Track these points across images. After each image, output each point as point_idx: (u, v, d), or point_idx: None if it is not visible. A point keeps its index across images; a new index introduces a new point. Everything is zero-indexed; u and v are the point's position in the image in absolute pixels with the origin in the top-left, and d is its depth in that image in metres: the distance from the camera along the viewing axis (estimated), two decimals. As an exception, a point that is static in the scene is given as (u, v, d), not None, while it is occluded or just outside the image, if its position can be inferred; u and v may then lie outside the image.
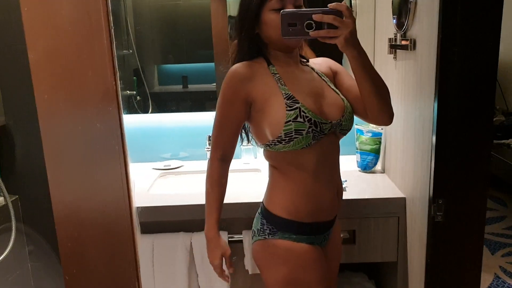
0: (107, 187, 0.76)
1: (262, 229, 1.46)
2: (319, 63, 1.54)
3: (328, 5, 1.23)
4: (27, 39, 0.73)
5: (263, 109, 1.37)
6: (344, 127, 1.43)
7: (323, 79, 1.47)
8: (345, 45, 1.23)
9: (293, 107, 1.34)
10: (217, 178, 1.48)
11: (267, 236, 1.44)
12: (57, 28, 0.71)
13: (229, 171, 1.52)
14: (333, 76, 1.52)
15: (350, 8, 1.25)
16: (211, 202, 1.49)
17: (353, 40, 1.24)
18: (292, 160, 1.39)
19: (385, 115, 1.40)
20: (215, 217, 1.49)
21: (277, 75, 1.40)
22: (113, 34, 0.73)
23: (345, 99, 1.46)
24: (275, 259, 1.44)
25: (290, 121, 1.32)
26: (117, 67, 0.74)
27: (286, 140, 1.34)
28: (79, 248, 0.78)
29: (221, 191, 1.50)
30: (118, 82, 0.75)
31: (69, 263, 0.79)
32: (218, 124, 1.45)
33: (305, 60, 1.52)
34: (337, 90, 1.47)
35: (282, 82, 1.39)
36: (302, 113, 1.33)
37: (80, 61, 0.73)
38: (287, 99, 1.35)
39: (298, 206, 1.40)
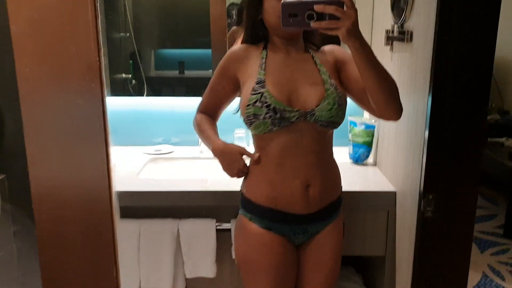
0: (87, 165, 0.75)
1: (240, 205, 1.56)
2: (327, 52, 1.50)
3: None
4: (9, 11, 0.71)
5: (241, 90, 1.47)
6: (319, 117, 1.38)
7: (319, 69, 1.44)
8: (347, 36, 1.20)
9: (257, 92, 1.38)
10: (203, 119, 1.61)
11: (240, 212, 1.55)
12: (40, 0, 0.69)
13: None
14: (340, 66, 1.46)
15: None
16: (207, 131, 1.57)
17: (355, 31, 1.21)
18: (259, 143, 1.46)
19: (391, 110, 1.35)
20: (216, 135, 1.56)
21: (263, 60, 1.44)
22: (98, 8, 0.70)
23: (332, 89, 1.40)
24: (236, 233, 1.56)
25: (250, 104, 1.38)
26: (101, 43, 0.72)
27: (248, 123, 1.41)
28: (56, 227, 0.76)
29: (211, 122, 1.60)
30: (102, 58, 0.72)
31: (45, 243, 0.77)
32: (208, 89, 1.60)
33: (314, 48, 1.49)
34: (329, 81, 1.42)
35: (264, 67, 1.43)
36: (263, 99, 1.36)
37: (64, 35, 0.71)
38: (257, 84, 1.40)
39: (256, 188, 1.47)
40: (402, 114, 1.54)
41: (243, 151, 1.48)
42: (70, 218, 0.77)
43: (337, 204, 1.54)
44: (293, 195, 1.43)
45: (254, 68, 1.44)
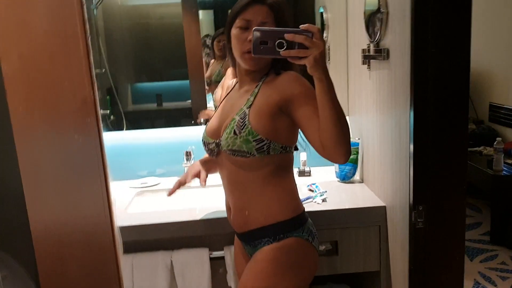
0: (87, 200, 0.74)
1: None
2: (280, 83, 1.43)
3: (300, 26, 1.24)
4: (-1, 50, 0.70)
5: None
6: (223, 147, 1.47)
7: (249, 99, 1.45)
8: (314, 65, 1.23)
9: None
10: None
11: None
12: (31, 37, 0.69)
13: (209, 185, 1.76)
14: (288, 101, 1.40)
15: (320, 30, 1.27)
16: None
17: (322, 62, 1.24)
18: None
19: (339, 152, 1.31)
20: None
21: (226, 95, 1.61)
22: (89, 43, 0.71)
23: (236, 118, 1.42)
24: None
25: None
26: (94, 76, 0.72)
27: None
28: (59, 267, 0.75)
29: None
30: (96, 92, 0.73)
31: (48, 283, 0.76)
32: None
33: (273, 75, 1.47)
34: (242, 110, 1.43)
35: (220, 102, 1.63)
36: (203, 133, 1.61)
37: (56, 70, 0.71)
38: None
39: None
40: (385, 129, 1.57)
41: (191, 171, 1.70)
42: (73, 256, 0.75)
43: (261, 234, 1.48)
44: (233, 218, 1.56)
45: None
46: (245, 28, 1.41)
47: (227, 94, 1.61)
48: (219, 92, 2.31)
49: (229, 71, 2.16)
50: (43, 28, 0.69)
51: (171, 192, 1.72)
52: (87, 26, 0.71)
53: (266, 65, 1.48)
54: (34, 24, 0.69)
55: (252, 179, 1.46)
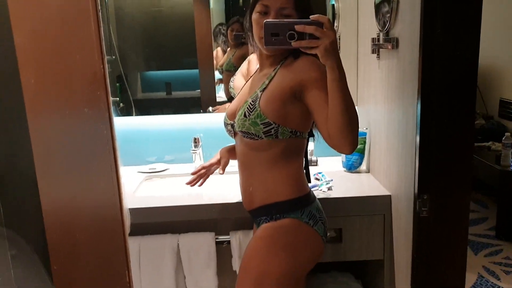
0: (96, 172, 0.76)
1: None
2: (297, 68, 1.44)
3: (310, 16, 1.26)
4: (12, 23, 0.72)
5: None
6: (236, 128, 1.52)
7: (265, 82, 1.47)
8: (325, 54, 1.25)
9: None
10: None
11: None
12: (43, 9, 0.70)
13: (217, 173, 1.79)
14: (303, 86, 1.41)
15: (331, 20, 1.28)
16: None
17: (333, 51, 1.26)
18: None
19: (345, 141, 1.32)
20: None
21: (250, 78, 1.65)
22: (100, 17, 0.72)
23: (249, 101, 1.46)
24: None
25: None
26: (105, 51, 0.74)
27: None
28: (69, 243, 0.77)
29: None
30: (106, 66, 0.74)
31: (57, 252, 0.78)
32: None
33: (292, 59, 1.49)
34: (256, 93, 1.47)
35: (244, 84, 1.66)
36: (225, 114, 1.65)
37: (67, 44, 0.73)
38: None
39: None
40: (393, 119, 1.57)
41: (218, 159, 1.78)
42: (81, 226, 0.78)
43: (261, 212, 1.52)
44: (244, 196, 1.61)
45: None
46: (264, 13, 1.44)
47: (250, 78, 1.66)
48: (238, 79, 2.33)
49: (253, 56, 2.18)
50: (55, 2, 0.71)
51: (194, 172, 1.80)
52: (98, 0, 0.72)
53: (286, 49, 1.48)
54: (47, -2, 0.71)
55: (259, 160, 1.50)
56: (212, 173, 1.81)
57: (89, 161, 0.76)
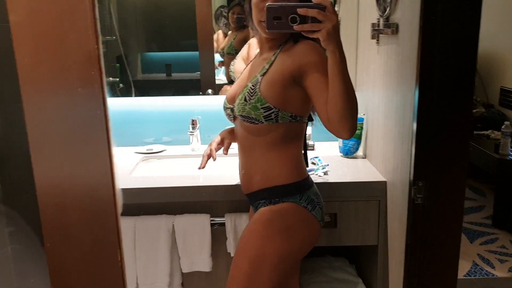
0: (89, 151, 0.76)
1: None
2: (297, 52, 1.44)
3: (313, 0, 1.25)
4: (8, 1, 0.72)
5: None
6: (236, 112, 1.52)
7: (265, 66, 1.48)
8: (327, 38, 1.25)
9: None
10: None
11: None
12: (38, -12, 0.70)
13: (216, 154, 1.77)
14: (302, 71, 1.41)
15: (333, 4, 1.28)
16: None
17: (335, 35, 1.26)
18: None
19: (344, 126, 1.33)
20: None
21: (250, 62, 1.64)
22: (95, -4, 0.72)
23: (249, 85, 1.47)
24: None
25: None
26: (99, 31, 0.74)
27: None
28: (60, 215, 0.78)
29: None
30: (101, 46, 0.74)
31: (50, 230, 0.79)
32: None
33: (292, 43, 1.48)
34: (256, 77, 1.47)
35: (245, 68, 1.65)
36: (224, 98, 1.65)
37: (62, 23, 0.72)
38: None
39: None
40: (391, 105, 1.56)
41: (221, 138, 1.77)
42: (74, 205, 0.78)
43: (260, 195, 1.54)
44: (242, 179, 1.61)
45: None
46: None
47: (250, 62, 1.65)
48: (239, 62, 2.33)
49: (253, 40, 2.17)
50: (50, -20, 0.70)
51: (201, 167, 1.74)
52: (94, -20, 0.72)
53: (286, 33, 1.48)
54: (41, -24, 0.70)
55: (258, 144, 1.50)
56: (215, 152, 1.79)
57: (82, 141, 0.77)
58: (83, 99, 0.76)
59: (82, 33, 0.73)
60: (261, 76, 1.46)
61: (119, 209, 0.83)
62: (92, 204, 0.80)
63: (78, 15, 0.72)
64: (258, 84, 1.44)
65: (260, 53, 1.58)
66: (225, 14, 2.41)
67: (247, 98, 1.45)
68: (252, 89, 1.45)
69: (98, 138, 0.77)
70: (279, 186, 1.50)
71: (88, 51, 0.73)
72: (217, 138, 1.77)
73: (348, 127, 1.34)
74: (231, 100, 1.60)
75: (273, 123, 1.45)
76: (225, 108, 1.62)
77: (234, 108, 1.53)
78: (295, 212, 1.49)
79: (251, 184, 1.56)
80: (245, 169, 1.58)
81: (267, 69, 1.46)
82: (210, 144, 1.76)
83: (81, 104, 0.76)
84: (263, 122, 1.45)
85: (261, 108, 1.43)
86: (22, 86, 0.76)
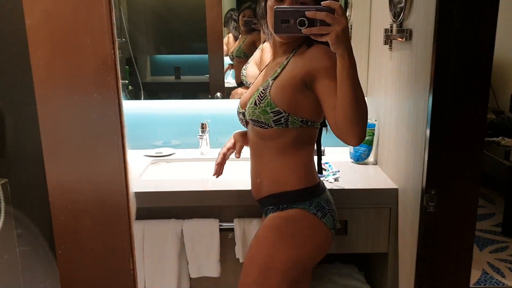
0: (103, 157, 0.75)
1: None
2: (309, 56, 1.43)
3: (322, 3, 1.23)
4: (24, 5, 0.71)
5: None
6: (247, 116, 1.50)
7: (277, 70, 1.46)
8: (336, 41, 1.22)
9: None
10: None
11: None
12: (55, -8, 0.69)
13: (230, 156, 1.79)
14: (314, 75, 1.40)
15: (342, 6, 1.25)
16: None
17: (344, 38, 1.23)
18: None
19: (353, 133, 1.30)
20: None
21: (265, 66, 1.61)
22: (112, 1, 0.71)
23: (260, 90, 1.45)
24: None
25: None
26: (116, 35, 0.73)
27: None
28: (73, 225, 0.77)
29: None
30: (117, 51, 0.73)
31: (62, 237, 0.78)
32: None
33: (305, 47, 1.47)
34: (268, 81, 1.45)
35: (260, 73, 1.63)
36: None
37: (78, 27, 0.72)
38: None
39: None
40: (403, 111, 1.54)
41: (234, 142, 1.74)
42: (87, 215, 0.77)
43: (268, 201, 1.52)
44: (253, 184, 1.60)
45: None
46: (280, 0, 1.41)
47: (265, 67, 1.62)
48: (251, 67, 2.32)
49: (266, 45, 2.16)
50: (68, -16, 0.70)
51: (215, 174, 1.77)
52: (111, -15, 0.71)
53: (300, 37, 1.45)
54: (58, -20, 0.69)
55: (269, 149, 1.49)
56: (228, 158, 1.79)
57: (97, 147, 0.76)
58: (99, 104, 0.75)
59: (99, 38, 0.72)
60: (272, 80, 1.44)
61: (133, 215, 0.82)
62: (105, 211, 0.79)
63: (94, 20, 0.71)
64: (269, 88, 1.43)
65: (274, 57, 1.57)
66: (235, 18, 2.40)
67: (257, 102, 1.44)
68: (263, 93, 1.44)
69: (113, 145, 0.76)
70: (287, 192, 1.48)
71: (105, 56, 0.72)
72: (229, 143, 1.76)
73: (356, 133, 1.30)
74: (244, 104, 1.58)
75: (283, 128, 1.44)
76: (238, 113, 1.62)
77: (245, 112, 1.52)
78: (303, 219, 1.47)
79: (261, 189, 1.55)
80: (255, 174, 1.57)
81: (279, 73, 1.45)
82: (222, 150, 1.76)
83: (96, 110, 0.75)
84: (272, 127, 1.44)
85: (271, 112, 1.42)
86: (36, 91, 0.75)
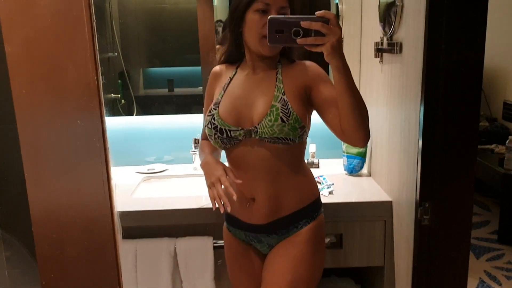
0: (87, 186, 0.73)
1: None
2: (300, 68, 1.45)
3: (316, 12, 1.21)
4: (3, 31, 0.70)
5: None
6: (262, 134, 1.39)
7: (276, 85, 1.43)
8: (331, 52, 1.21)
9: (211, 113, 1.47)
10: (204, 144, 1.67)
11: None
12: (35, 18, 0.68)
13: None
14: (311, 85, 1.42)
15: (337, 17, 1.24)
16: (204, 152, 1.60)
17: (339, 48, 1.23)
18: (226, 156, 1.53)
19: (359, 136, 1.34)
20: (209, 152, 1.58)
21: (229, 80, 1.51)
22: (95, 27, 0.70)
23: (277, 106, 1.38)
24: None
25: (206, 125, 1.48)
26: (99, 62, 0.71)
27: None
28: (57, 250, 0.75)
29: (211, 146, 1.61)
30: (100, 77, 0.72)
31: (46, 267, 0.76)
32: (203, 112, 1.63)
33: (287, 62, 1.47)
34: (280, 97, 1.40)
35: (226, 87, 1.50)
36: (213, 120, 1.45)
37: (60, 54, 0.70)
38: (213, 105, 1.49)
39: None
40: (395, 123, 1.53)
41: (225, 168, 1.45)
42: (71, 239, 0.75)
43: (297, 217, 1.49)
44: (241, 205, 1.48)
45: (221, 87, 1.52)
46: (265, 11, 1.37)
47: (231, 80, 1.51)
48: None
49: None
50: (49, 11, 0.68)
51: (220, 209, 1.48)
52: (93, 10, 0.70)
53: (278, 52, 1.47)
54: (39, 7, 0.68)
55: (286, 165, 1.46)
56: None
57: (81, 174, 0.74)
58: (82, 131, 0.73)
59: (81, 65, 0.70)
60: (283, 94, 1.41)
61: (119, 242, 0.80)
62: (90, 239, 0.77)
63: (77, 46, 0.70)
64: (288, 103, 1.39)
65: (254, 71, 1.48)
66: (219, 31, 2.39)
67: (284, 119, 1.38)
68: (285, 109, 1.38)
69: (97, 171, 0.74)
70: (314, 200, 1.53)
71: (87, 83, 0.71)
72: (218, 171, 1.44)
73: (363, 136, 1.35)
74: (237, 121, 1.44)
75: (300, 142, 1.44)
76: (229, 131, 1.43)
77: (258, 130, 1.41)
78: (323, 220, 1.57)
79: (278, 210, 1.47)
80: (267, 195, 1.46)
81: (283, 88, 1.42)
82: (216, 181, 1.43)
83: (79, 136, 0.73)
84: (295, 142, 1.42)
85: (299, 128, 1.40)
86: (18, 118, 0.74)
